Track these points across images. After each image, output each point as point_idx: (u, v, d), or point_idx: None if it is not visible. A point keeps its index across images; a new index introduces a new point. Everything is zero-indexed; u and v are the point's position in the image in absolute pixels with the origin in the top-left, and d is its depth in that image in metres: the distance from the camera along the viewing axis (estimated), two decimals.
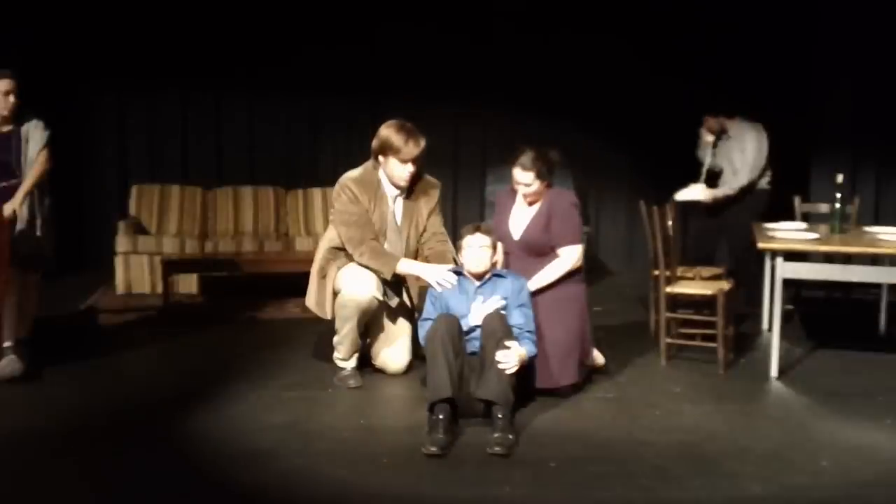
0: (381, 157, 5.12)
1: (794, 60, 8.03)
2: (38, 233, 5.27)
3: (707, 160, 6.99)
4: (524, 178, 5.03)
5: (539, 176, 5.03)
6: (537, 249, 5.07)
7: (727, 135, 6.90)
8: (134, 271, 7.65)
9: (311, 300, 5.32)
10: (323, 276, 5.23)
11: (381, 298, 5.15)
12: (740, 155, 6.79)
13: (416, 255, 5.29)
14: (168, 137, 8.72)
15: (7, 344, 5.19)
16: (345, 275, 5.12)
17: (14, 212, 5.10)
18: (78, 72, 8.32)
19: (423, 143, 5.08)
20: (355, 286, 5.07)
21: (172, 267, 7.18)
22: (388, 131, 5.09)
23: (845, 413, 4.85)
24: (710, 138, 7.00)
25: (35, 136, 5.27)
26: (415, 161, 5.08)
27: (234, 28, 8.39)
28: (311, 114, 8.81)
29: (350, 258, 5.15)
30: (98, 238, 8.28)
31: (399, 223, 5.22)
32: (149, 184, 8.30)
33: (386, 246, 5.15)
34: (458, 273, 4.88)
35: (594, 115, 8.38)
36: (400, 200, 5.23)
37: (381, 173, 5.18)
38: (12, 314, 5.18)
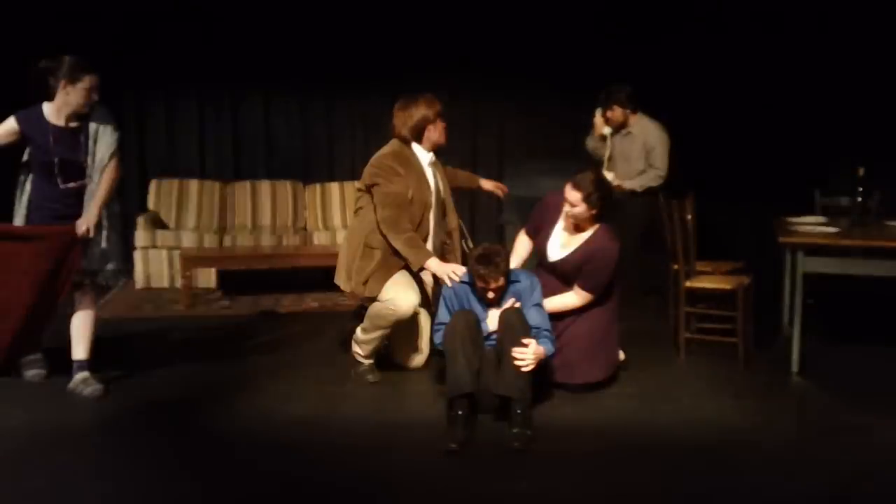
0: (423, 137, 5.18)
1: (813, 52, 7.97)
2: (105, 245, 4.90)
3: (606, 152, 6.79)
4: (572, 196, 4.86)
5: (588, 201, 4.85)
6: (564, 279, 5.04)
7: (626, 130, 6.72)
8: (153, 265, 7.69)
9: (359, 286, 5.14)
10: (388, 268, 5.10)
11: (419, 311, 5.20)
12: (640, 150, 6.62)
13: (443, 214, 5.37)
14: (186, 133, 8.75)
15: (79, 358, 4.99)
16: (389, 288, 5.05)
17: (88, 229, 4.79)
18: (98, 67, 8.33)
19: (436, 99, 5.26)
20: (399, 300, 5.03)
21: (191, 261, 7.21)
22: (409, 111, 5.16)
23: (867, 409, 4.81)
24: (607, 131, 6.79)
25: (105, 137, 4.89)
26: (442, 116, 5.24)
27: (249, 25, 8.40)
28: (328, 108, 8.82)
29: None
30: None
31: (442, 192, 5.29)
32: (167, 178, 8.34)
33: (432, 216, 5.18)
34: (471, 284, 4.82)
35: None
36: (433, 170, 5.27)
37: (414, 148, 5.22)
38: (77, 332, 4.99)
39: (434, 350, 5.21)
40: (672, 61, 8.11)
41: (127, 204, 8.53)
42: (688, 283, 5.68)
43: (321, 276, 7.16)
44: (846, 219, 6.07)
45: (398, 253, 5.04)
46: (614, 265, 4.97)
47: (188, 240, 7.77)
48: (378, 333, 5.13)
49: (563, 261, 5.02)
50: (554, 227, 5.09)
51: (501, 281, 4.68)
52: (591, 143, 6.99)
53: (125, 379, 5.24)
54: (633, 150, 6.66)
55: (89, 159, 4.86)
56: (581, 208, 4.88)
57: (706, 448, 4.28)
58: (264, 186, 8.41)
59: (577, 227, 5.01)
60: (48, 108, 4.85)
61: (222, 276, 7.69)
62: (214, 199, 8.31)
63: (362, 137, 8.63)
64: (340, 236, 7.78)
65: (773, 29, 7.99)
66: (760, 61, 8.03)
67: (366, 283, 5.08)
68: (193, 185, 8.31)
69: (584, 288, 4.97)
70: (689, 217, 5.75)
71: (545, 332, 4.68)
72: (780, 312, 6.48)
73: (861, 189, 5.84)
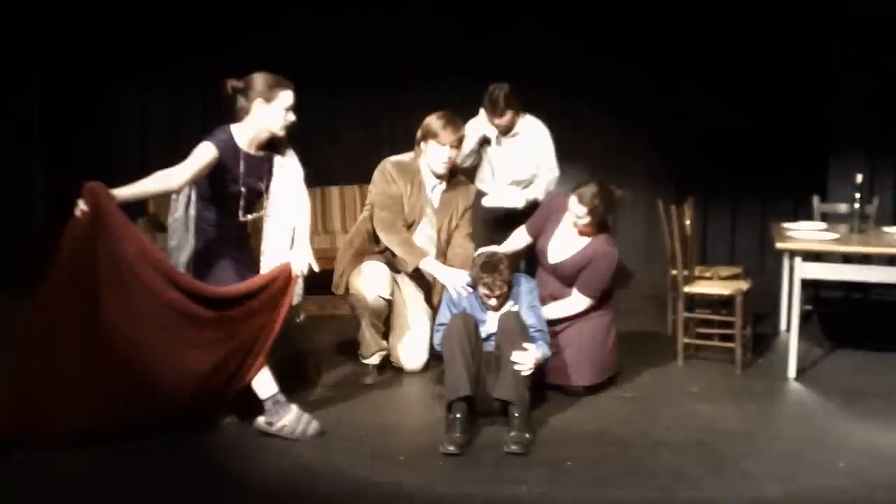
0: (423, 145, 5.25)
1: (812, 59, 7.99)
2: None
3: (494, 160, 5.91)
4: (577, 209, 4.93)
5: (592, 213, 4.92)
6: (563, 280, 5.09)
7: (514, 132, 5.89)
8: None
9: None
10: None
11: (388, 298, 5.21)
12: (528, 152, 5.88)
13: (444, 247, 5.37)
14: (187, 136, 8.69)
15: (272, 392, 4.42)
16: (353, 277, 5.24)
17: (310, 266, 4.37)
18: (100, 70, 8.36)
19: (462, 130, 5.27)
20: (363, 285, 5.18)
21: None
22: (430, 118, 5.26)
23: (863, 414, 4.83)
24: (492, 133, 5.85)
25: (290, 164, 4.53)
26: (452, 145, 5.20)
27: (249, 27, 8.40)
28: (328, 112, 8.81)
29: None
30: None
31: (435, 214, 5.32)
32: None
33: (418, 232, 5.25)
34: (474, 287, 4.86)
35: (612, 112, 8.37)
36: (438, 191, 5.33)
37: (421, 162, 5.29)
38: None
39: (434, 352, 5.23)
40: (671, 65, 8.12)
41: (126, 206, 8.53)
42: (686, 289, 5.70)
43: (320, 280, 7.15)
44: (845, 225, 6.10)
45: (381, 252, 5.23)
46: (614, 269, 5.05)
47: None
48: (362, 323, 5.25)
49: (562, 264, 5.06)
50: (556, 228, 5.13)
51: (505, 289, 4.72)
52: (470, 149, 5.87)
53: None
54: (522, 153, 5.91)
55: (273, 188, 4.45)
56: (586, 220, 4.97)
57: (703, 452, 4.29)
58: None
59: (580, 232, 5.08)
60: (238, 132, 4.39)
61: None
62: None
63: (363, 141, 8.63)
64: (340, 240, 7.77)
65: (772, 32, 8.01)
66: (759, 65, 8.05)
67: (342, 276, 5.34)
68: None
69: (583, 292, 5.02)
70: (688, 222, 5.78)
71: (538, 333, 4.72)
72: (778, 318, 6.51)
73: (859, 196, 5.85)
